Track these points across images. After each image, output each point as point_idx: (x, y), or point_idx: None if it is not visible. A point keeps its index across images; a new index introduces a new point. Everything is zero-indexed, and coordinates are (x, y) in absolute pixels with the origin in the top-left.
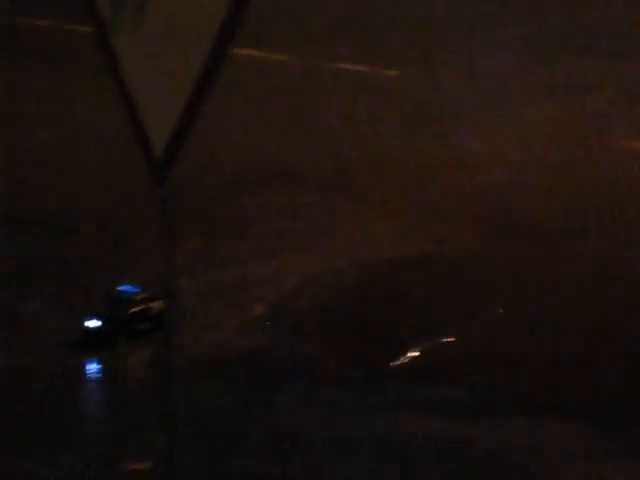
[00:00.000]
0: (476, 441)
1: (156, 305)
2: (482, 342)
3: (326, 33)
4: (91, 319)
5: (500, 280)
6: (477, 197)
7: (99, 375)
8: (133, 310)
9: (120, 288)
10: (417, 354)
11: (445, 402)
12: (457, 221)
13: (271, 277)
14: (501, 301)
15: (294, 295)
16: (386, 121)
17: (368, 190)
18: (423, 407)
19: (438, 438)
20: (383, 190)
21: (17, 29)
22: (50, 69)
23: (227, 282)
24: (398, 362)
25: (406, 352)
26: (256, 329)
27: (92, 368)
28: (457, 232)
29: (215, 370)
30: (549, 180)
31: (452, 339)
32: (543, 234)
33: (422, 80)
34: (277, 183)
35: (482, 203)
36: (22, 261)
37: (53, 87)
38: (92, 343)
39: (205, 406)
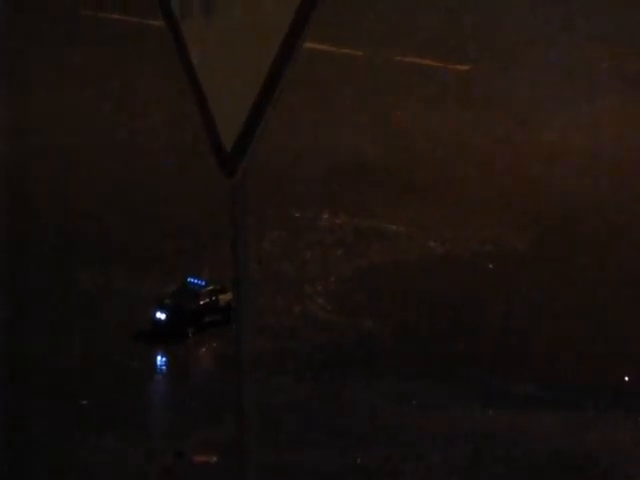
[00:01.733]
0: (540, 436)
1: (224, 297)
2: (547, 335)
3: (394, 28)
4: (158, 310)
5: (564, 276)
6: (539, 194)
7: (167, 367)
8: (201, 302)
9: (188, 280)
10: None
11: (511, 395)
12: (513, 219)
13: (335, 270)
14: (568, 292)
15: (360, 287)
16: (455, 115)
17: (439, 185)
18: (490, 400)
19: (500, 432)
20: (453, 186)
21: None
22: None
23: (292, 274)
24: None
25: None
26: (322, 320)
27: (160, 359)
28: (513, 231)
29: (282, 361)
30: (619, 176)
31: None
32: (608, 233)
33: (491, 74)
34: (348, 178)
35: (542, 200)
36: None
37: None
38: (161, 334)
39: (272, 398)
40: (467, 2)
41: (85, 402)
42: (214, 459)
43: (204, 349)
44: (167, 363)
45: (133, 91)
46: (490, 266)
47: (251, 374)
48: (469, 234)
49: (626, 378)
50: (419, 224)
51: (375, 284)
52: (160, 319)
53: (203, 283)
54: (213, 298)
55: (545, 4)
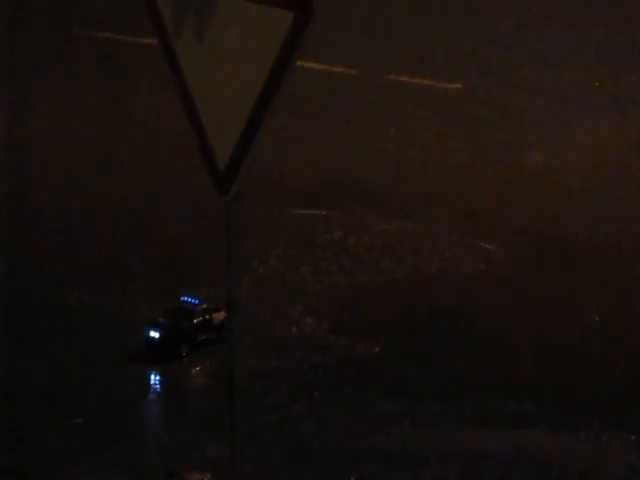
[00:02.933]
0: (533, 455)
1: (218, 316)
2: (539, 354)
3: (389, 47)
4: (154, 329)
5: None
6: (528, 211)
7: (161, 385)
8: (196, 321)
9: (182, 299)
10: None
11: (499, 413)
12: (504, 234)
13: (323, 289)
14: (565, 314)
15: (353, 306)
16: (447, 133)
17: (429, 202)
18: (486, 419)
19: (490, 450)
20: (443, 203)
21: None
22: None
23: (282, 293)
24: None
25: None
26: (312, 339)
27: (154, 378)
28: (504, 246)
29: (275, 380)
30: (607, 193)
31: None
32: (600, 252)
33: (483, 93)
34: (336, 195)
35: (531, 217)
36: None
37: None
38: (155, 353)
39: (266, 417)
40: (459, 22)
41: (79, 421)
42: (207, 477)
43: (198, 368)
44: (161, 382)
45: (124, 109)
46: (480, 283)
47: (243, 392)
48: (460, 251)
49: (617, 396)
50: (410, 241)
51: (367, 303)
52: (154, 338)
53: (197, 302)
54: (207, 317)
55: (537, 25)
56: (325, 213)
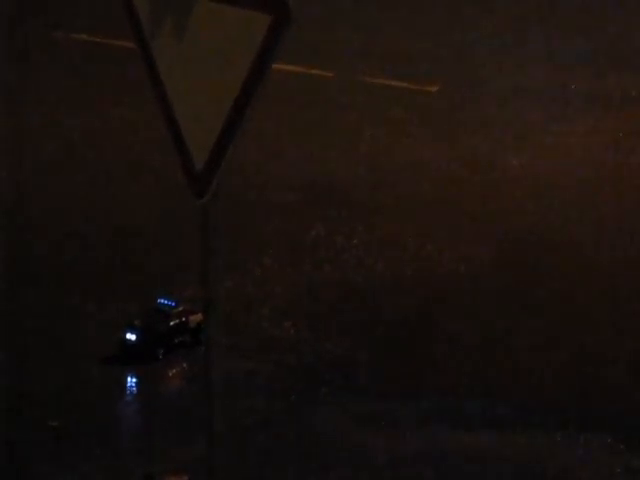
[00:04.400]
0: (509, 457)
1: (194, 318)
2: (515, 356)
3: (365, 49)
4: (130, 331)
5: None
6: (508, 213)
7: (137, 387)
8: (172, 323)
9: (158, 301)
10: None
11: (478, 416)
12: (483, 236)
13: (302, 290)
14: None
15: (331, 308)
16: (424, 136)
17: (406, 204)
18: (456, 421)
19: (470, 452)
20: (420, 205)
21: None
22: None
23: (259, 293)
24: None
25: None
26: (290, 341)
27: (130, 380)
28: (486, 249)
29: (252, 382)
30: (584, 196)
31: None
32: (574, 251)
33: (462, 95)
34: (313, 197)
35: (511, 218)
36: (65, 270)
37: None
38: (130, 356)
39: (243, 418)
40: (436, 25)
41: (55, 423)
42: (185, 479)
43: (174, 370)
44: (137, 384)
45: (103, 111)
46: (461, 285)
47: (220, 394)
48: (438, 252)
49: (594, 398)
50: (389, 243)
51: (347, 304)
52: (130, 340)
53: (173, 304)
54: (183, 319)
55: (515, 27)
56: (302, 215)
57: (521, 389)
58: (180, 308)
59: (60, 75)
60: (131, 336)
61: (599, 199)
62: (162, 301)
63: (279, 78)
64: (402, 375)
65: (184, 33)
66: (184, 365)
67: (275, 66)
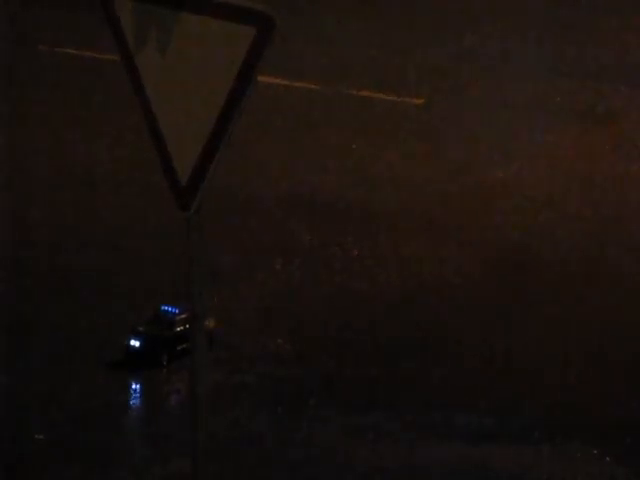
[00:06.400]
0: (494, 468)
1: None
2: (499, 368)
3: (350, 62)
4: (135, 338)
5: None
6: (493, 227)
7: (140, 395)
8: (176, 330)
9: (162, 308)
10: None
11: (462, 427)
12: (469, 250)
13: (287, 303)
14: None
15: (316, 320)
16: (409, 148)
17: (392, 217)
18: (441, 433)
19: (454, 465)
20: (406, 218)
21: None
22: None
23: (246, 307)
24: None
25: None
26: (276, 353)
27: (133, 388)
28: (469, 262)
29: (238, 395)
30: (569, 208)
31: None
32: (560, 263)
33: (447, 108)
34: (299, 210)
35: (497, 232)
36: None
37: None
38: (135, 362)
39: (229, 431)
40: (422, 38)
41: (40, 437)
42: None
43: (176, 377)
44: (141, 391)
45: (89, 124)
46: (447, 297)
47: (206, 407)
48: (423, 264)
49: (578, 410)
50: (373, 255)
51: (333, 316)
52: (134, 347)
53: (177, 311)
54: (187, 326)
55: (500, 40)
56: (287, 227)
57: (505, 401)
58: (183, 315)
59: (45, 89)
60: (135, 342)
61: (585, 211)
62: (165, 308)
63: (264, 91)
64: (387, 389)
65: (168, 46)
66: (186, 373)
67: (260, 79)
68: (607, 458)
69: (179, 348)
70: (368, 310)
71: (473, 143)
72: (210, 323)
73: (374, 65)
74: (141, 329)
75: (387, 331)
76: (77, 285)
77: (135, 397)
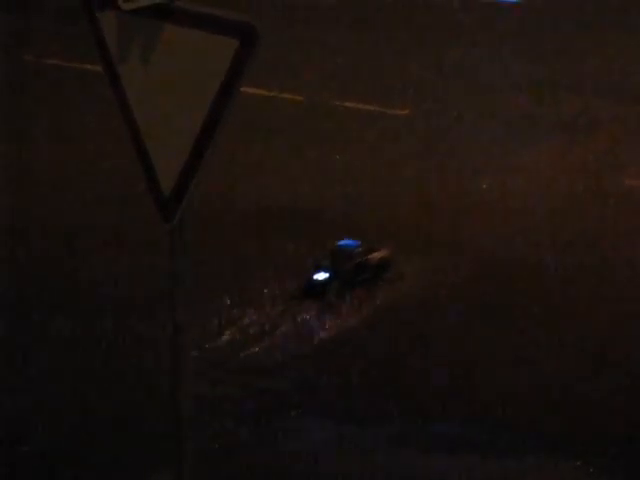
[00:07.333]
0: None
1: (375, 256)
2: (484, 379)
3: (335, 73)
4: (318, 272)
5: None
6: (476, 238)
7: (320, 324)
8: (356, 262)
9: (341, 242)
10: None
11: (447, 439)
12: (456, 261)
13: (270, 314)
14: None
15: (296, 331)
16: (394, 159)
17: (377, 230)
18: (425, 444)
19: (439, 476)
20: (390, 231)
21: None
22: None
23: (229, 318)
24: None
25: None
26: (259, 364)
27: (315, 318)
28: (456, 272)
29: (221, 406)
30: (553, 219)
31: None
32: (544, 274)
33: (432, 119)
34: (283, 223)
35: (483, 243)
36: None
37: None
38: (319, 294)
39: (212, 444)
40: (406, 49)
41: (25, 449)
42: None
43: (356, 305)
44: (321, 320)
45: (72, 137)
46: (432, 307)
47: (190, 419)
48: (409, 275)
49: (564, 421)
50: None
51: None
52: (318, 279)
53: (356, 244)
54: (365, 257)
55: (483, 52)
56: (271, 238)
57: (490, 412)
58: (361, 248)
59: (31, 100)
60: (320, 275)
61: (568, 222)
62: (345, 242)
63: (247, 102)
64: (371, 400)
65: (151, 58)
66: (364, 301)
67: (243, 90)
68: (591, 469)
69: (359, 279)
70: (353, 319)
71: (458, 153)
72: (378, 255)
73: (359, 76)
74: (325, 263)
75: (370, 341)
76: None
77: (313, 326)
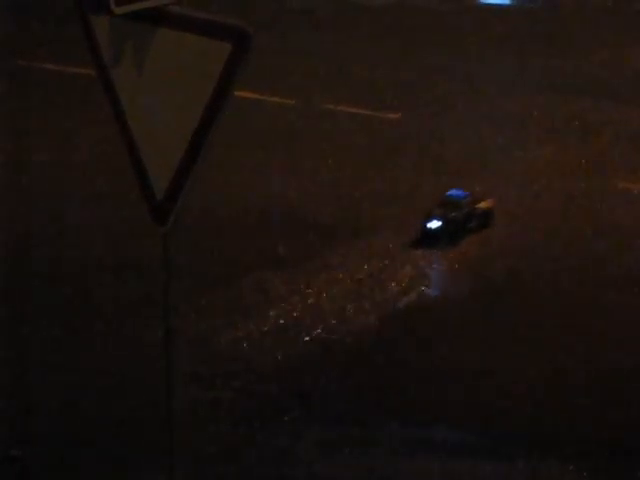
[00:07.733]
0: None
1: (482, 205)
2: (477, 383)
3: (326, 77)
4: (431, 220)
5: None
6: (475, 240)
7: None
8: (466, 210)
9: (449, 193)
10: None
11: (444, 443)
12: (453, 264)
13: (263, 318)
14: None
15: (290, 337)
16: (386, 163)
17: (367, 235)
18: (422, 448)
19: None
20: (381, 237)
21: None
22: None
23: (222, 322)
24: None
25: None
26: (253, 368)
27: (435, 263)
28: (453, 277)
29: (216, 410)
30: (548, 223)
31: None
32: (537, 279)
33: (423, 122)
34: (273, 226)
35: (476, 247)
36: None
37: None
38: (433, 242)
39: (207, 447)
40: (397, 53)
41: (16, 452)
42: None
43: (466, 253)
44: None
45: (66, 140)
46: (421, 311)
47: (182, 422)
48: (397, 283)
49: (555, 425)
50: (351, 272)
51: (311, 331)
52: (431, 228)
53: (464, 194)
54: (474, 206)
55: (474, 56)
56: (262, 241)
57: (484, 416)
58: (469, 198)
59: (24, 104)
60: (433, 224)
61: (563, 225)
62: (454, 192)
63: (239, 105)
64: (363, 404)
65: (144, 61)
66: (473, 249)
67: (235, 94)
68: (584, 473)
69: (467, 227)
70: (345, 325)
71: (451, 157)
72: (485, 204)
73: (351, 80)
74: (438, 212)
75: (362, 345)
76: None
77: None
